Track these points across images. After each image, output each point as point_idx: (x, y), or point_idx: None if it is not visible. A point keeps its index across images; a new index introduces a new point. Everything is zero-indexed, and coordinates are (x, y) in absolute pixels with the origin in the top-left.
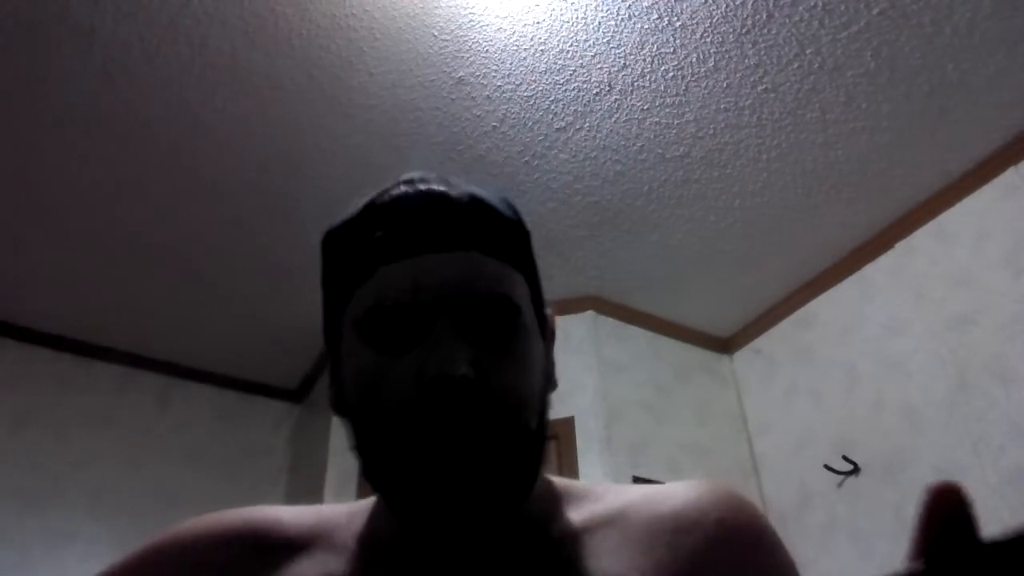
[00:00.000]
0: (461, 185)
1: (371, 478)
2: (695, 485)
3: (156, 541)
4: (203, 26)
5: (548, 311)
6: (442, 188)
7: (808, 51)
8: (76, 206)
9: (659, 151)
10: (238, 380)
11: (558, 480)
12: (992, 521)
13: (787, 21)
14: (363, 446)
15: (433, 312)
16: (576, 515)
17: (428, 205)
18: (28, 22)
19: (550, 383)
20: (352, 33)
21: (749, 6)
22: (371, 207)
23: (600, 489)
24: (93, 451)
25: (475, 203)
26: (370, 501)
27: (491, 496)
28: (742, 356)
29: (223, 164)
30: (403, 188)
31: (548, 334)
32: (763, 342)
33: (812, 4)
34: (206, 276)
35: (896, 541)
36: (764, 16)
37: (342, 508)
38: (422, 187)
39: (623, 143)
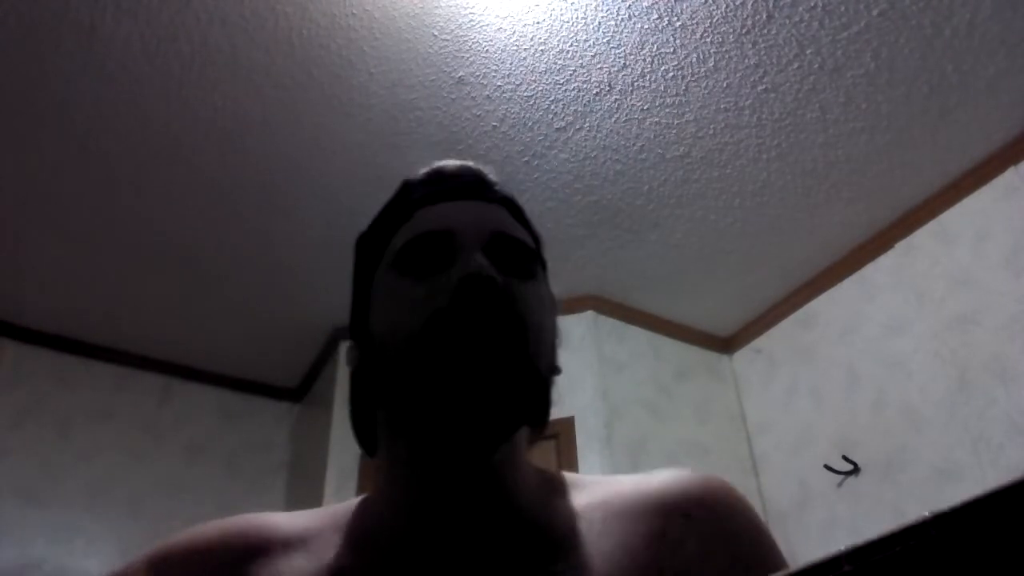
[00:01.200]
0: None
1: (389, 392)
2: (679, 472)
3: (158, 550)
4: (203, 24)
5: (555, 301)
6: (467, 162)
7: (808, 51)
8: (76, 205)
9: (659, 151)
10: (238, 379)
11: (549, 471)
12: None
13: (787, 22)
14: (385, 362)
15: (466, 238)
16: (566, 503)
17: (462, 168)
18: (28, 20)
19: (555, 356)
20: (352, 32)
21: (749, 6)
22: (407, 180)
23: (589, 479)
24: (94, 447)
25: (502, 184)
26: (360, 499)
27: (513, 390)
28: (742, 356)
29: (223, 163)
30: (439, 163)
31: (555, 318)
32: (763, 342)
33: (812, 4)
34: (206, 275)
35: None
36: (764, 16)
37: (334, 508)
38: (458, 161)
39: (623, 143)
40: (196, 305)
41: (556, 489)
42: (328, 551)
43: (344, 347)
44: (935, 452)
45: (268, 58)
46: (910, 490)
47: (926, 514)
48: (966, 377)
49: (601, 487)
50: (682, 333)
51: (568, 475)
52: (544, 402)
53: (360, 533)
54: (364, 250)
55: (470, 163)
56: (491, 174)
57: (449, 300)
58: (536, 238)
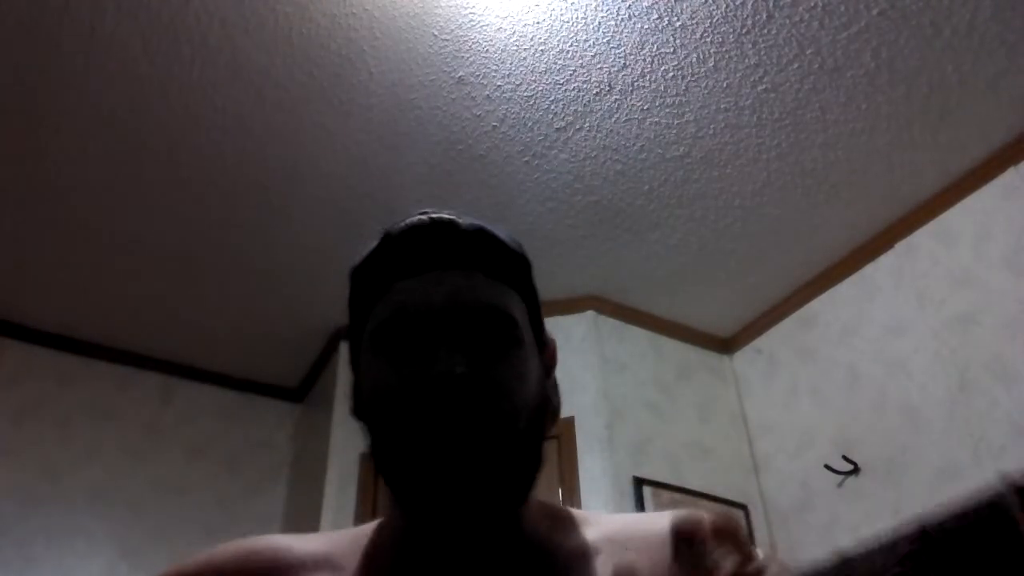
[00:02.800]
0: (469, 218)
1: (383, 472)
2: (690, 510)
3: (178, 571)
4: (203, 25)
5: (549, 337)
6: (451, 217)
7: (808, 51)
8: (77, 205)
9: (659, 151)
10: (239, 379)
11: (558, 508)
12: None
13: (787, 21)
14: (377, 445)
15: (438, 321)
16: (574, 536)
17: (438, 229)
18: (28, 21)
19: (547, 403)
20: (352, 32)
21: (749, 6)
22: (387, 236)
23: (598, 516)
24: (95, 446)
25: (480, 231)
26: (373, 524)
27: (488, 477)
28: (743, 356)
29: (223, 163)
30: (416, 217)
31: (547, 358)
32: (764, 342)
33: (812, 4)
34: (207, 275)
35: None
36: (764, 16)
37: (348, 532)
38: (433, 215)
39: (623, 143)
40: (196, 305)
41: (564, 525)
42: (342, 574)
43: (344, 347)
44: (936, 452)
45: (268, 58)
46: (910, 490)
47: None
48: (967, 377)
49: (609, 523)
50: (683, 333)
51: (577, 512)
52: (532, 464)
53: (375, 558)
54: (353, 303)
55: (443, 216)
56: (464, 219)
57: (423, 391)
58: (524, 268)
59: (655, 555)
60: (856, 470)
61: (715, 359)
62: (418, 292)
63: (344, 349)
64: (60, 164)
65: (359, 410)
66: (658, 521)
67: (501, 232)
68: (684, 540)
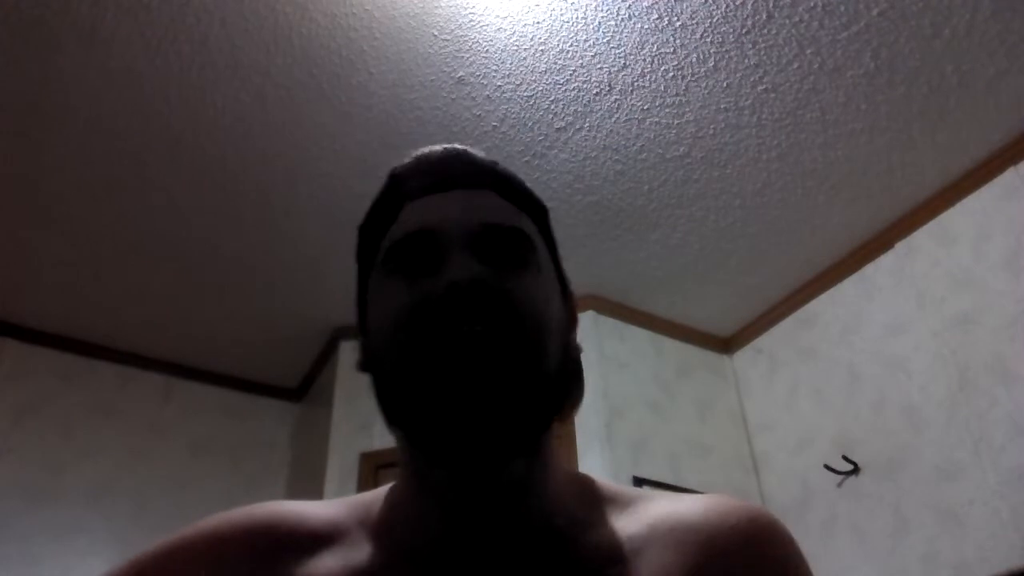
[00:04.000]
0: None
1: (391, 410)
2: (723, 502)
3: (182, 536)
4: (203, 24)
5: (571, 292)
6: (463, 147)
7: (808, 52)
8: (77, 205)
9: (659, 151)
10: (240, 379)
11: (583, 477)
12: (993, 521)
13: (787, 22)
14: (386, 380)
15: (452, 237)
16: (606, 522)
17: (449, 153)
18: (29, 20)
19: (573, 356)
20: (352, 32)
21: (749, 6)
22: (394, 171)
23: (627, 494)
24: (97, 445)
25: (495, 163)
26: (385, 490)
27: (508, 398)
28: (743, 355)
29: (223, 162)
30: (425, 149)
31: (571, 309)
32: (764, 341)
33: (812, 4)
34: (207, 275)
35: (896, 540)
36: (764, 16)
37: (362, 499)
38: (445, 146)
39: (623, 143)
40: (197, 305)
41: (593, 502)
42: (357, 551)
43: (344, 347)
44: (935, 452)
45: (268, 58)
46: (910, 490)
47: None
48: (966, 377)
49: (644, 509)
50: (683, 333)
51: (603, 485)
52: (554, 398)
53: (388, 534)
54: (362, 243)
55: (457, 147)
56: (480, 155)
57: (435, 310)
58: (540, 209)
59: (684, 557)
60: (856, 470)
61: (715, 358)
62: (431, 207)
63: (344, 349)
64: (60, 164)
65: (367, 359)
66: (696, 513)
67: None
68: (716, 547)
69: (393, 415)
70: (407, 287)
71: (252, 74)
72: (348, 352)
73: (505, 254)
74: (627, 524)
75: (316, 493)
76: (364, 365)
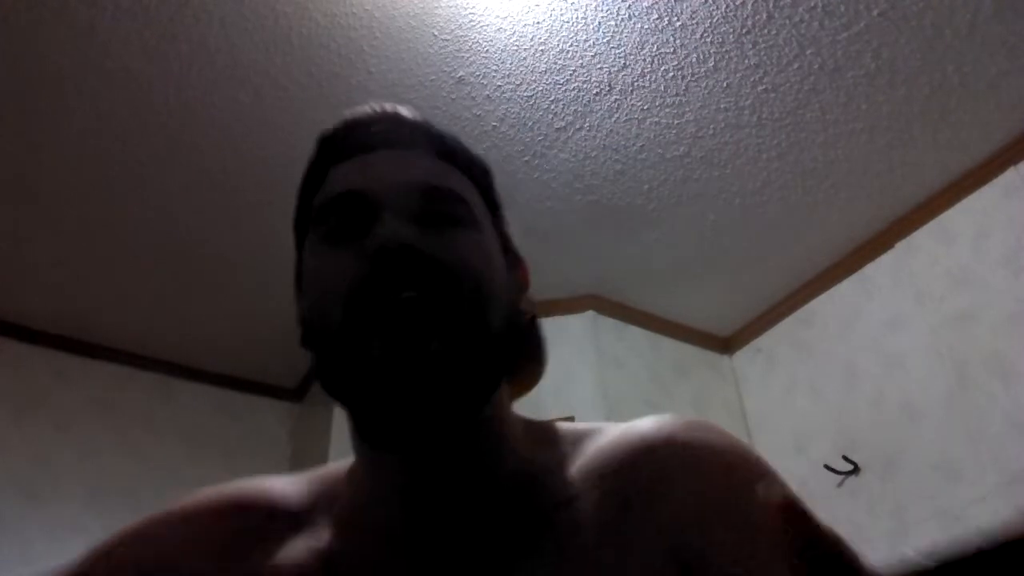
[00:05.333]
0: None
1: (329, 383)
2: (660, 420)
3: (155, 516)
4: (202, 24)
5: (520, 257)
6: (394, 105)
7: (808, 52)
8: (76, 204)
9: (659, 151)
10: (239, 379)
11: (541, 423)
12: (992, 519)
13: (787, 22)
14: (321, 353)
15: (380, 198)
16: (559, 465)
17: (378, 112)
18: (27, 20)
19: (519, 314)
20: (352, 32)
21: (749, 6)
22: (323, 132)
23: (579, 431)
24: (94, 445)
25: (425, 121)
26: (349, 466)
27: (443, 374)
28: (742, 355)
29: (222, 162)
30: (355, 109)
31: (519, 276)
32: (763, 341)
33: (812, 5)
34: (206, 275)
35: (896, 540)
36: (764, 16)
37: (327, 475)
38: (374, 105)
39: (623, 143)
40: (196, 304)
41: (548, 445)
42: (324, 533)
43: None
44: (935, 450)
45: (268, 58)
46: (910, 489)
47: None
48: (966, 375)
49: (590, 440)
50: (682, 332)
51: (564, 428)
52: (498, 359)
53: (352, 515)
54: (298, 209)
55: (387, 105)
56: (412, 113)
57: (364, 276)
58: (479, 169)
59: (625, 484)
60: (856, 470)
61: (714, 358)
62: (357, 169)
63: None
64: (59, 163)
65: (304, 330)
66: (634, 437)
67: (454, 135)
68: (653, 464)
69: (332, 390)
70: (337, 252)
71: (251, 74)
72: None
73: (436, 214)
74: (580, 461)
75: None
76: (303, 338)
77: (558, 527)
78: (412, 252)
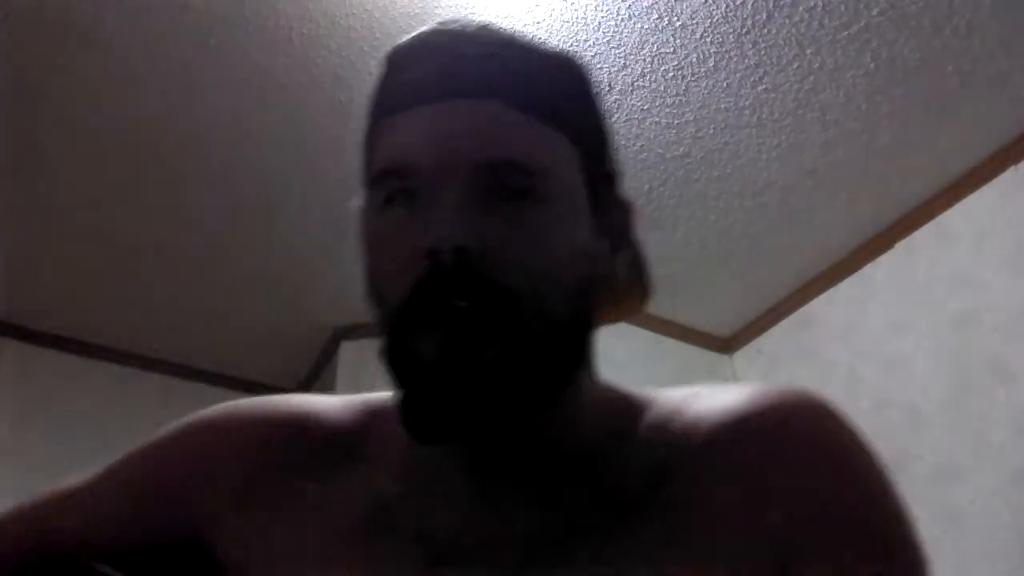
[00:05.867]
0: (503, 32)
1: (386, 360)
2: (757, 395)
3: (198, 418)
4: (203, 25)
5: (623, 197)
6: (465, 27)
7: (808, 52)
8: (76, 205)
9: (659, 151)
10: (239, 379)
11: (627, 393)
12: (994, 522)
13: (787, 22)
14: (379, 322)
15: (432, 178)
16: (640, 448)
17: (441, 44)
18: (28, 21)
19: (601, 279)
20: (352, 32)
21: (749, 6)
22: (389, 56)
23: (669, 401)
24: (95, 446)
25: (505, 44)
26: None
27: (499, 386)
28: (743, 356)
29: (222, 163)
30: (428, 30)
31: (618, 220)
32: (764, 342)
33: (812, 4)
34: (206, 275)
35: None
36: (764, 16)
37: (382, 403)
38: (449, 26)
39: (623, 143)
40: (197, 305)
41: (632, 420)
42: (376, 473)
43: (345, 347)
44: (936, 453)
45: (268, 58)
46: (911, 491)
47: None
48: (967, 377)
49: (686, 412)
50: (682, 333)
51: (656, 394)
52: (566, 352)
53: (408, 462)
54: (365, 135)
55: (452, 28)
56: (483, 41)
57: (416, 277)
58: (568, 80)
59: (718, 473)
60: None
61: (715, 359)
62: (413, 131)
63: (345, 349)
64: (59, 164)
65: (368, 293)
66: (731, 414)
67: (547, 49)
68: (750, 449)
69: (388, 370)
70: (393, 220)
71: (252, 74)
72: (349, 352)
73: (500, 189)
74: (664, 437)
75: None
76: (367, 294)
77: (637, 502)
78: (463, 263)
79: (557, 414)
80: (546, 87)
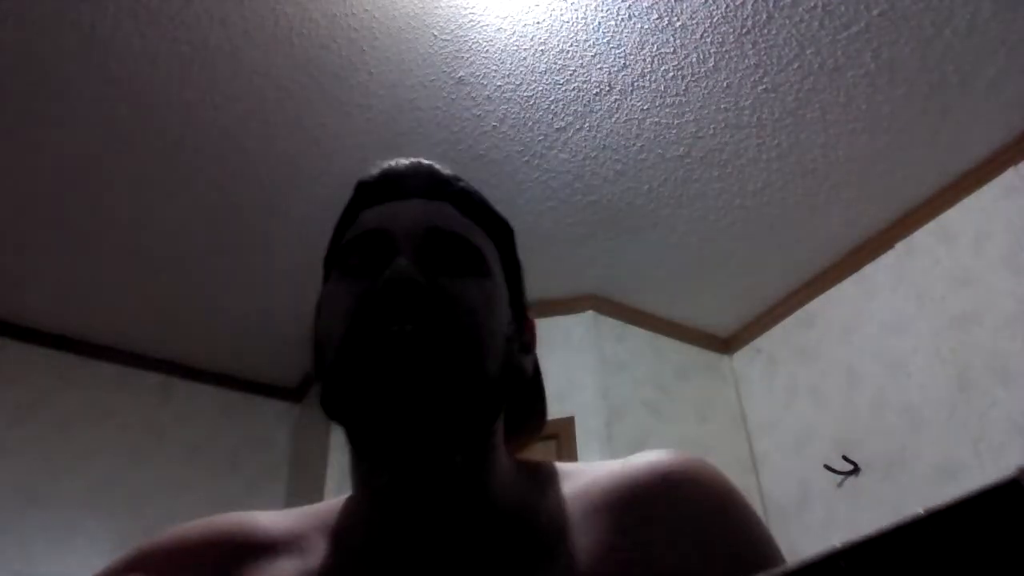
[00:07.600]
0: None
1: (332, 411)
2: (657, 455)
3: (140, 549)
4: (203, 24)
5: (530, 317)
6: (428, 162)
7: (808, 52)
8: (76, 204)
9: (659, 151)
10: (239, 378)
11: (538, 462)
12: None
13: (787, 22)
14: (326, 379)
15: (398, 238)
16: (552, 497)
17: (412, 165)
18: (28, 20)
19: (519, 372)
20: (352, 33)
21: (749, 6)
22: (360, 179)
23: (576, 468)
24: (95, 446)
25: (457, 178)
26: (343, 499)
27: (431, 406)
28: (743, 355)
29: (223, 163)
30: (391, 160)
31: (526, 333)
32: (764, 341)
33: (812, 5)
34: (206, 275)
35: None
36: (764, 16)
37: (319, 507)
38: (411, 159)
39: (623, 143)
40: (196, 304)
41: (542, 482)
42: (312, 554)
43: None
44: (935, 451)
45: (268, 58)
46: (910, 490)
47: (920, 511)
48: (966, 376)
49: (584, 476)
50: (682, 333)
51: (560, 465)
52: (490, 400)
53: (342, 535)
54: (329, 251)
55: (422, 160)
56: (444, 170)
57: (368, 309)
58: (503, 228)
59: (620, 517)
60: (856, 470)
61: (715, 358)
62: (386, 212)
63: None
64: (58, 164)
65: (315, 359)
66: (628, 471)
67: (483, 195)
68: (647, 499)
69: (332, 412)
70: (351, 286)
71: (252, 75)
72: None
73: (450, 260)
74: (568, 493)
75: (316, 493)
76: (312, 363)
77: (556, 557)
78: (415, 286)
79: (479, 474)
80: (481, 202)
